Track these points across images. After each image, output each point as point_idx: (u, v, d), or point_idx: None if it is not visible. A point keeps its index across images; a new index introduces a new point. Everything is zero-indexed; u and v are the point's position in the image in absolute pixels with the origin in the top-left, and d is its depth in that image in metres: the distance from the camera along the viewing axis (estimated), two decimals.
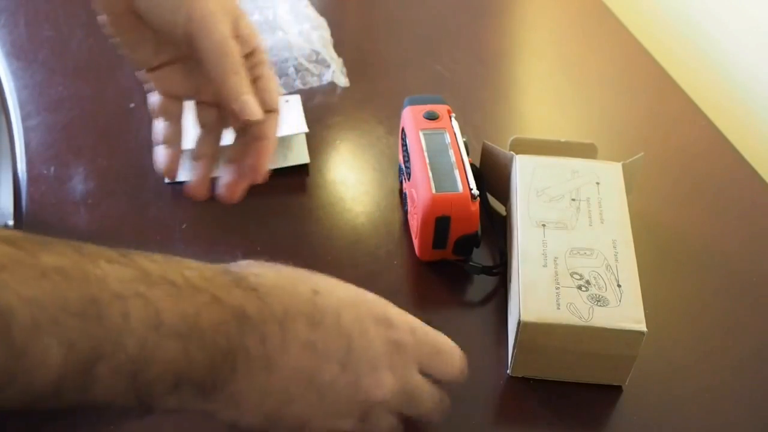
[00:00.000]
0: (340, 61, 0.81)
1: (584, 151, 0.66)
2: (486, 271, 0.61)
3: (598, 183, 0.61)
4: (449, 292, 0.62)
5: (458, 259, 0.61)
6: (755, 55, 0.88)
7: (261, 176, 0.54)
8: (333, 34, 0.83)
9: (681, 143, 0.77)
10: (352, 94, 0.79)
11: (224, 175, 0.54)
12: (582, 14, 0.95)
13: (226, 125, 0.57)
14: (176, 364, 0.36)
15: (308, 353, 0.40)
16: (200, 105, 0.57)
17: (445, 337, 0.47)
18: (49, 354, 0.33)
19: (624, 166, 0.63)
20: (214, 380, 0.38)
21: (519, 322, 0.52)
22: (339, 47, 0.82)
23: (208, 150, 0.56)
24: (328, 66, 0.80)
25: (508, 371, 0.56)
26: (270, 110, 0.53)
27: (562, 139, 0.66)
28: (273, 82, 0.55)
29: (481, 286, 0.62)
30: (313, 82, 0.79)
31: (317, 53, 0.80)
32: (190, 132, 0.57)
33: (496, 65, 0.87)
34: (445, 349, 0.46)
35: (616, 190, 0.61)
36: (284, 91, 0.77)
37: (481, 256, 0.65)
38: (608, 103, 0.82)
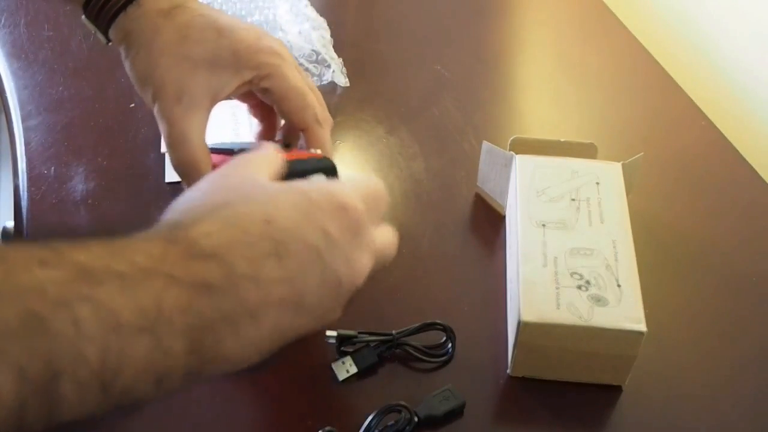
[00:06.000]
0: (340, 61, 0.81)
1: (584, 151, 0.66)
2: None
3: (598, 183, 0.61)
4: (449, 292, 0.62)
5: None
6: (755, 55, 0.88)
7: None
8: (333, 34, 0.83)
9: (681, 143, 0.77)
10: (352, 94, 0.79)
11: None
12: (582, 14, 0.95)
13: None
14: (151, 362, 0.34)
15: (287, 287, 0.38)
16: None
17: (371, 179, 0.47)
18: None
19: (624, 166, 0.63)
20: (201, 360, 0.36)
21: (519, 322, 0.52)
22: (339, 47, 0.82)
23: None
24: (328, 66, 0.80)
25: (508, 371, 0.56)
26: (302, 128, 0.57)
27: (562, 139, 0.66)
28: (285, 103, 0.56)
29: (481, 285, 0.62)
30: (314, 82, 0.79)
31: (317, 53, 0.80)
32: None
33: (496, 65, 0.87)
34: (380, 194, 0.46)
35: (616, 190, 0.61)
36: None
37: (479, 255, 0.65)
38: (608, 103, 0.82)
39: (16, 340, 0.30)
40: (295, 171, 0.47)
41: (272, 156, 0.46)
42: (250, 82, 0.54)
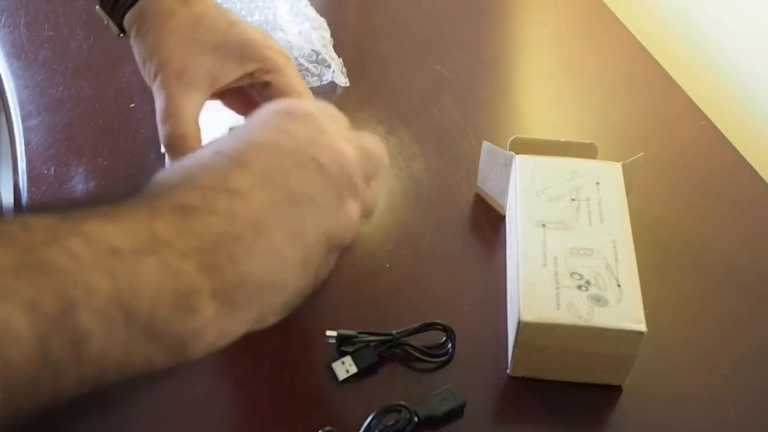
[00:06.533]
0: (340, 61, 0.81)
1: (584, 151, 0.66)
2: None
3: (598, 183, 0.62)
4: (449, 292, 0.62)
5: None
6: (755, 55, 0.88)
7: None
8: (333, 34, 0.83)
9: (681, 143, 0.77)
10: (352, 94, 0.79)
11: None
12: (582, 14, 0.95)
13: None
14: (167, 283, 0.33)
15: (268, 189, 0.38)
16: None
17: (365, 134, 0.45)
18: (8, 322, 0.28)
19: (624, 166, 0.63)
20: (223, 281, 0.35)
21: (519, 322, 0.52)
22: (339, 47, 0.82)
23: None
24: (328, 66, 0.80)
25: (508, 371, 0.56)
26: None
27: (562, 139, 0.66)
28: None
29: (481, 285, 0.62)
30: (313, 82, 0.79)
31: (317, 53, 0.80)
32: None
33: (496, 65, 0.87)
34: (373, 151, 0.45)
35: (616, 190, 0.61)
36: None
37: (479, 255, 0.65)
38: (608, 103, 0.82)
39: (17, 277, 0.29)
40: None
41: None
42: (252, 74, 0.55)
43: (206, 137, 0.56)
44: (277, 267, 0.37)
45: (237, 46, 0.54)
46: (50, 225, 0.31)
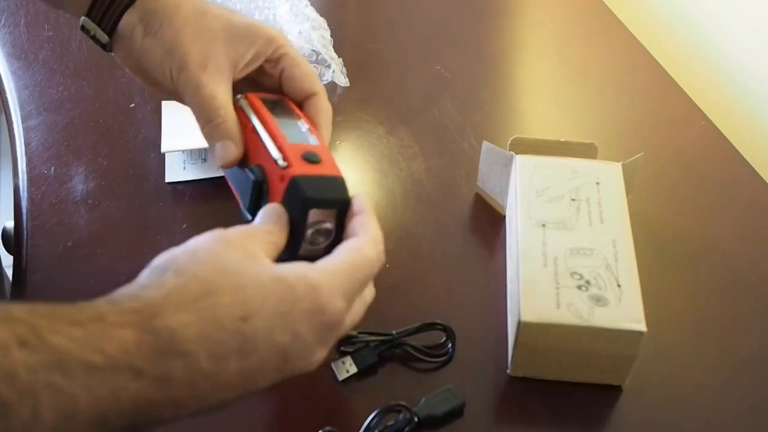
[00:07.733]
0: (340, 61, 0.81)
1: (584, 151, 0.66)
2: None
3: (598, 183, 0.62)
4: (449, 292, 0.62)
5: None
6: (755, 55, 0.88)
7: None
8: (333, 34, 0.83)
9: (681, 143, 0.77)
10: (352, 94, 0.79)
11: None
12: (582, 14, 0.95)
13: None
14: (100, 409, 0.35)
15: (242, 379, 0.40)
16: None
17: (373, 247, 0.46)
18: None
19: (624, 166, 0.63)
20: (136, 425, 0.37)
21: (519, 322, 0.52)
22: (339, 47, 0.82)
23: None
24: (328, 66, 0.80)
25: (508, 371, 0.56)
26: (309, 95, 0.55)
27: (562, 139, 0.66)
28: (299, 68, 0.55)
29: (481, 285, 0.62)
30: None
31: (317, 53, 0.80)
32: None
33: (496, 65, 0.87)
34: (372, 267, 0.46)
35: (616, 190, 0.61)
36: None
37: (479, 255, 0.65)
38: (608, 103, 0.82)
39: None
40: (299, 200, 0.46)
41: (275, 234, 0.46)
42: (264, 52, 0.55)
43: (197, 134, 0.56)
44: (184, 419, 0.39)
45: (244, 27, 0.54)
46: (39, 370, 0.33)
